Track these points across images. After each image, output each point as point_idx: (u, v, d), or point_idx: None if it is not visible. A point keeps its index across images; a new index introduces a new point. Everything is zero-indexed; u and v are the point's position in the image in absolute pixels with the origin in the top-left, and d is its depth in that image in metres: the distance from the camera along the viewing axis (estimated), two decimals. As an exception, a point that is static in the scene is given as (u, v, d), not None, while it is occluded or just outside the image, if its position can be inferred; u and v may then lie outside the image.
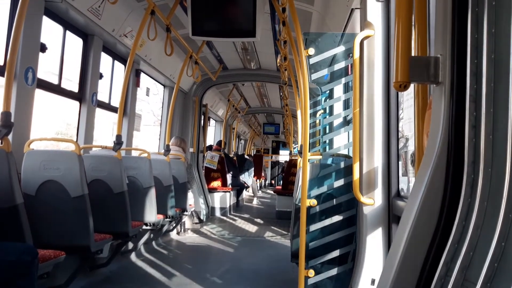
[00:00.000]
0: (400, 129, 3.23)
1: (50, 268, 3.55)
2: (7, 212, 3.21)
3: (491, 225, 1.27)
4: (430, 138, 1.62)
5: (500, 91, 1.32)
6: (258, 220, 10.38)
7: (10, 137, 3.30)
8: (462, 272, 1.33)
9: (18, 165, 3.84)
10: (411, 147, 2.97)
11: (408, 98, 3.01)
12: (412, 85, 2.00)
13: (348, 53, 3.67)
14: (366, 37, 3.21)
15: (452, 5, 1.54)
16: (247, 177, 14.37)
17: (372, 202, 3.18)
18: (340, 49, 3.72)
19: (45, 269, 3.46)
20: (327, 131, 4.95)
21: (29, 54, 4.22)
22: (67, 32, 5.20)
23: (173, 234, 7.90)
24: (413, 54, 1.78)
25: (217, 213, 10.60)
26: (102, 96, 6.20)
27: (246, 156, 15.64)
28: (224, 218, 10.41)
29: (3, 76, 3.38)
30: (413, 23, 1.83)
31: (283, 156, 24.64)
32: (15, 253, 3.01)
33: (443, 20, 1.57)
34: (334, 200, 3.72)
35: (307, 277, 3.50)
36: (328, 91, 4.57)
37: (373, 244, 3.22)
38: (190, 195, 7.80)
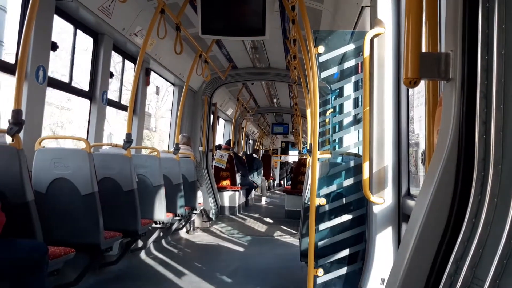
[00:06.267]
0: (410, 127, 3.20)
1: (61, 265, 3.57)
2: (18, 209, 3.24)
3: (501, 222, 1.26)
4: (441, 134, 1.60)
5: (510, 87, 1.30)
6: (267, 220, 10.37)
7: (21, 134, 3.33)
8: (472, 269, 1.32)
9: (29, 162, 3.87)
10: (422, 145, 2.95)
11: (418, 96, 2.99)
12: (422, 83, 1.98)
13: (358, 51, 3.65)
14: (377, 35, 3.19)
15: (463, 1, 1.52)
16: (256, 177, 14.37)
17: (382, 201, 3.16)
18: (350, 47, 3.70)
19: (55, 266, 3.48)
20: (337, 130, 4.92)
21: (40, 53, 4.26)
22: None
23: (183, 233, 7.92)
24: (423, 50, 1.76)
25: (226, 212, 10.61)
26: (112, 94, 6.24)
27: (254, 155, 15.60)
28: (233, 217, 10.42)
29: (14, 74, 3.40)
30: (423, 19, 1.81)
31: (292, 156, 24.56)
32: (26, 250, 3.04)
33: (453, 16, 1.55)
34: (344, 199, 3.70)
35: (316, 276, 3.49)
36: (338, 90, 4.55)
37: (383, 243, 3.20)
38: (199, 193, 7.82)
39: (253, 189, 14.13)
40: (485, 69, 1.40)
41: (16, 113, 3.23)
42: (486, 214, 1.32)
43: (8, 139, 3.26)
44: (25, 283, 3.01)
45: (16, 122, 3.22)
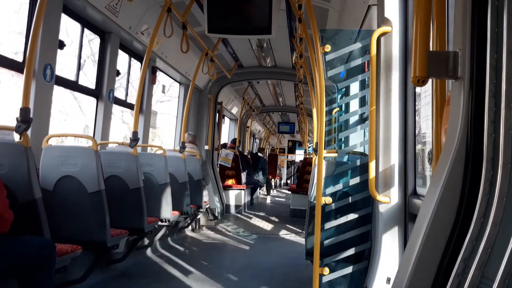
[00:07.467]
0: (417, 126, 3.19)
1: (67, 262, 3.59)
2: (25, 206, 3.26)
3: (509, 222, 1.25)
4: (448, 134, 1.59)
5: (520, 86, 1.30)
6: (273, 218, 10.38)
7: (29, 132, 3.35)
8: (480, 269, 1.32)
9: (37, 160, 3.89)
10: (429, 144, 2.94)
11: (425, 95, 2.98)
12: (430, 82, 1.97)
13: (365, 49, 3.64)
14: (383, 34, 3.18)
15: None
16: (261, 176, 14.38)
17: (388, 200, 3.15)
18: (357, 46, 3.69)
19: (62, 263, 3.50)
20: (343, 129, 4.91)
21: (47, 51, 4.28)
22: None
23: (188, 231, 7.95)
24: (431, 49, 1.76)
25: (232, 211, 10.63)
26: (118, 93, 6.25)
27: (259, 154, 15.60)
28: (239, 215, 10.43)
29: (22, 73, 3.43)
30: (431, 18, 1.81)
31: (299, 155, 24.54)
32: (33, 247, 3.06)
33: (462, 14, 1.54)
34: (350, 198, 3.70)
35: (321, 275, 3.49)
36: (344, 89, 4.54)
37: (389, 242, 3.19)
38: (205, 192, 7.84)
39: (258, 188, 14.13)
40: (494, 67, 1.39)
41: (24, 111, 3.25)
42: (495, 213, 1.32)
43: (16, 137, 3.28)
44: (33, 280, 3.03)
45: (24, 120, 3.24)
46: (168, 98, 18.22)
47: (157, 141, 21.00)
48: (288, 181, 24.35)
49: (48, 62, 4.28)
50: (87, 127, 21.33)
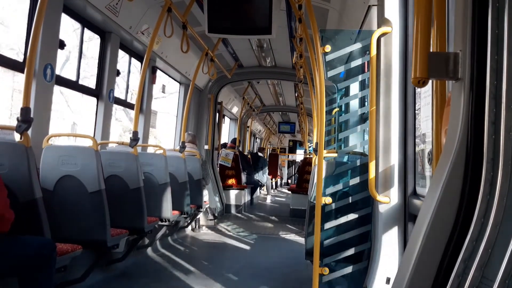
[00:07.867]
0: (417, 127, 3.20)
1: (68, 262, 3.60)
2: (26, 206, 3.26)
3: (510, 223, 1.26)
4: (449, 135, 1.60)
5: (521, 87, 1.30)
6: (273, 218, 10.38)
7: (29, 132, 3.35)
8: (480, 269, 1.32)
9: (37, 160, 3.90)
10: (429, 145, 2.95)
11: (425, 96, 2.99)
12: (430, 82, 1.98)
13: (365, 50, 3.65)
14: (383, 34, 3.19)
15: (473, 0, 1.52)
16: (261, 175, 14.37)
17: (388, 200, 3.16)
18: (357, 46, 3.70)
19: (62, 263, 3.51)
20: (343, 129, 4.92)
21: (48, 51, 4.28)
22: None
23: (188, 230, 7.95)
24: (431, 50, 1.76)
25: (232, 211, 10.63)
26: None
27: (259, 154, 15.59)
28: (239, 215, 10.43)
29: (23, 72, 3.43)
30: (432, 19, 1.81)
31: (300, 155, 24.58)
32: (34, 246, 3.06)
33: (463, 15, 1.55)
34: (350, 198, 3.70)
35: (321, 275, 3.50)
36: (344, 89, 4.55)
37: (389, 242, 3.20)
38: (205, 192, 7.85)
39: (259, 188, 14.13)
40: (495, 69, 1.39)
41: (25, 111, 3.25)
42: (495, 214, 1.32)
43: (17, 137, 3.29)
44: (34, 279, 3.03)
45: (25, 119, 3.25)
46: (163, 95, 17.90)
47: (153, 140, 20.76)
48: (289, 181, 24.39)
49: (49, 62, 4.29)
50: (75, 125, 20.81)
